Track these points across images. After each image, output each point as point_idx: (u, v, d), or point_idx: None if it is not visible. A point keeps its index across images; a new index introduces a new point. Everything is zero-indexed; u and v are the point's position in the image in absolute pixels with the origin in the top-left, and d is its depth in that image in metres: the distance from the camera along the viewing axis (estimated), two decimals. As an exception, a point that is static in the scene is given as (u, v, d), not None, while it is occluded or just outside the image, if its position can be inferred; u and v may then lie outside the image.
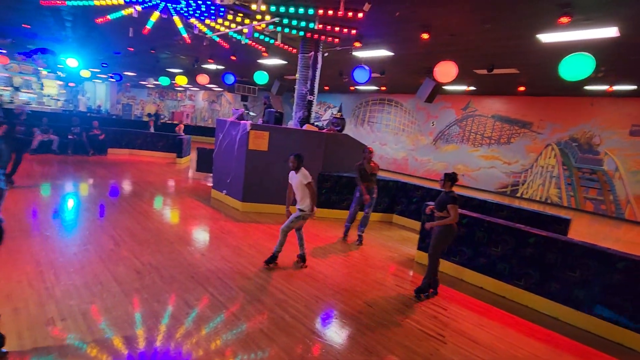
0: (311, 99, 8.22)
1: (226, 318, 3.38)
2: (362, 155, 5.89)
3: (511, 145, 13.77)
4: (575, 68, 5.43)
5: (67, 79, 23.76)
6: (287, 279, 4.39)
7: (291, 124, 8.45)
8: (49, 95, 23.13)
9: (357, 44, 7.77)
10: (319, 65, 8.29)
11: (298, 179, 4.51)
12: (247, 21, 7.03)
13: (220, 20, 7.28)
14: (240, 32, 7.84)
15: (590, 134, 11.96)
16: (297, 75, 8.32)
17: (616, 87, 9.87)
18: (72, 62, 13.26)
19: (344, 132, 8.41)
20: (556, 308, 4.20)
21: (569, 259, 4.12)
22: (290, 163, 4.54)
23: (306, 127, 7.68)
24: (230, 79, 12.09)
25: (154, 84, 24.44)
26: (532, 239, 4.39)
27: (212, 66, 14.15)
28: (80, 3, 7.01)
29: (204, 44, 9.16)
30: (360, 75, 8.33)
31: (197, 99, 27.80)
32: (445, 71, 6.78)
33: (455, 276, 5.07)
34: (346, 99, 19.42)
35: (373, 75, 11.63)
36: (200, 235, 5.80)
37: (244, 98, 14.31)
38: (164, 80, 17.04)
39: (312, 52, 8.12)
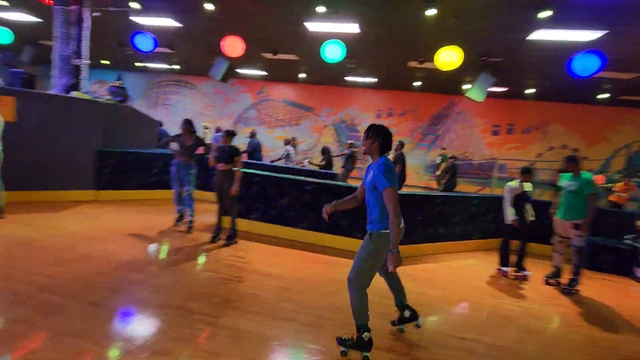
0: (79, 64, 6.83)
1: None
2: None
3: (300, 126, 15.82)
4: (334, 52, 6.77)
5: None
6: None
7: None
8: None
9: (135, 5, 6.96)
10: (87, 25, 6.95)
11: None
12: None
13: None
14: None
15: (352, 117, 15.22)
16: (54, 32, 6.70)
17: (363, 79, 12.88)
18: None
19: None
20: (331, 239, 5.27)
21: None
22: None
23: (74, 94, 6.36)
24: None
25: None
26: (310, 186, 5.29)
27: None
28: None
29: None
30: (143, 42, 7.50)
31: None
32: (232, 45, 7.03)
33: (255, 232, 5.49)
34: (136, 78, 17.11)
35: (162, 49, 10.76)
36: None
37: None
38: None
39: (77, 7, 6.72)
